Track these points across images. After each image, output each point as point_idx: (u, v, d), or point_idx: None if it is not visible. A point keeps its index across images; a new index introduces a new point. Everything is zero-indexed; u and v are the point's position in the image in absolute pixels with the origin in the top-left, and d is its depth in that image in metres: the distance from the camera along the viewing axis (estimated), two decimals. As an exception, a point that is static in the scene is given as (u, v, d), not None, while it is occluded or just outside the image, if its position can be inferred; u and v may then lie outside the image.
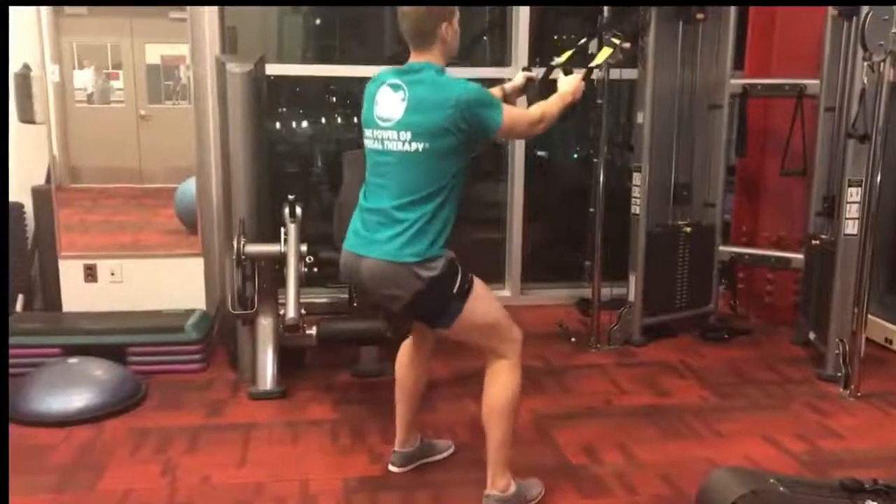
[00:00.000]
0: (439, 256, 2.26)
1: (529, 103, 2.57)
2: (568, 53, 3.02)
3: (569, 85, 2.60)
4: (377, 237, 2.28)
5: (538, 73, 2.83)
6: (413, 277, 2.23)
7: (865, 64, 3.27)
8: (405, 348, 2.68)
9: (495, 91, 2.74)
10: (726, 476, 2.25)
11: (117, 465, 2.76)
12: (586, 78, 2.73)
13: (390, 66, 2.36)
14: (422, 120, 2.21)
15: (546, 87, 2.72)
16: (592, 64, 3.03)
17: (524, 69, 2.86)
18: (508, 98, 2.74)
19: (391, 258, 2.24)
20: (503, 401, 2.39)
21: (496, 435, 2.40)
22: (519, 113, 2.43)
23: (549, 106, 2.49)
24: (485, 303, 2.37)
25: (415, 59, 2.32)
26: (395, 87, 2.27)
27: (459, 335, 2.41)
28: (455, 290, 2.28)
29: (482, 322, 2.37)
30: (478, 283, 2.35)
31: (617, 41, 3.21)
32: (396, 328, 2.61)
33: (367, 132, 2.36)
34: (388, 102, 2.28)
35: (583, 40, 3.47)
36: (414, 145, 2.22)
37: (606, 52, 3.07)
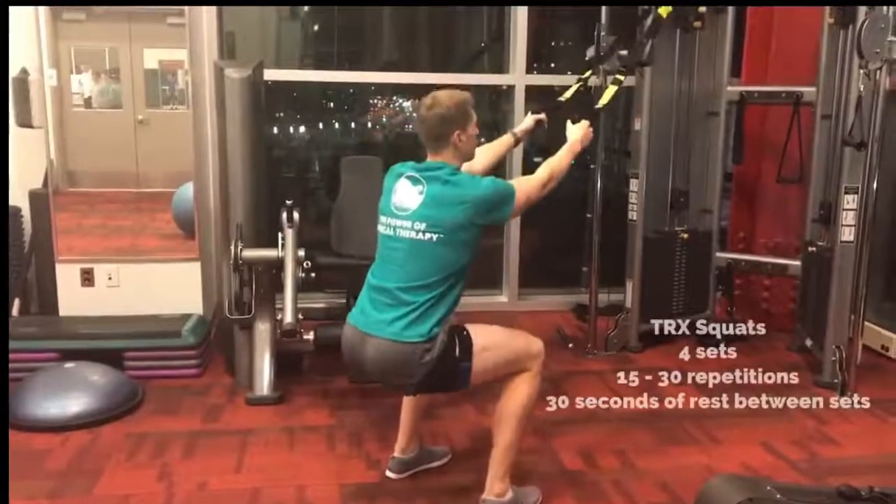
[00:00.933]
0: (437, 335, 2.29)
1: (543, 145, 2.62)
2: (573, 89, 3.06)
3: (577, 134, 2.68)
4: (383, 318, 2.32)
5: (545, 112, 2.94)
6: (417, 360, 2.27)
7: (861, 72, 3.28)
8: None
9: (507, 138, 2.88)
10: (724, 483, 2.25)
11: (114, 470, 2.75)
12: (593, 123, 2.77)
13: (408, 161, 2.44)
14: (438, 214, 2.28)
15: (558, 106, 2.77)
16: (598, 106, 3.07)
17: (533, 112, 2.96)
18: (520, 141, 2.91)
19: (395, 338, 2.28)
20: (519, 407, 2.40)
21: (505, 438, 2.41)
22: (527, 186, 2.46)
23: (559, 161, 2.57)
24: (490, 346, 2.38)
25: (431, 158, 2.39)
26: (414, 181, 2.34)
27: (483, 382, 2.43)
28: (458, 354, 2.31)
29: (496, 364, 2.39)
30: (475, 333, 2.36)
31: (621, 78, 3.24)
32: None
33: (382, 219, 2.42)
34: (405, 193, 2.35)
35: (586, 74, 3.51)
36: (428, 235, 2.28)
37: (611, 91, 3.10)
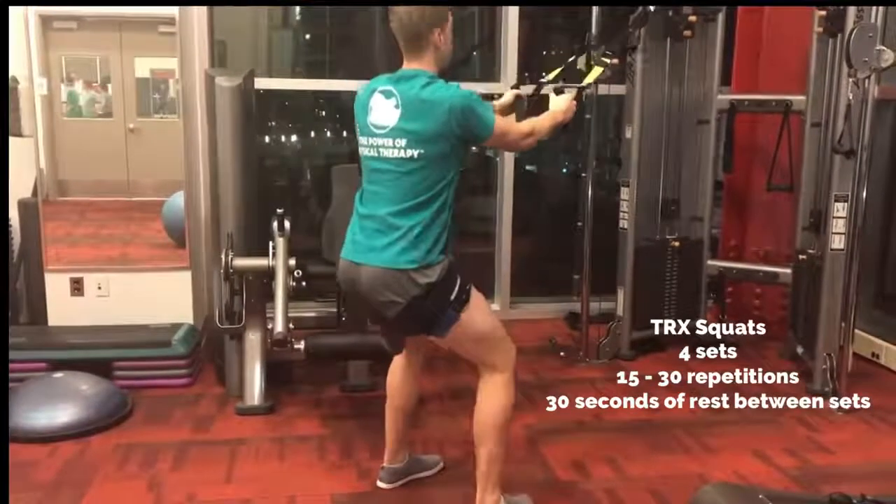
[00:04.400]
0: (437, 262, 2.25)
1: (518, 120, 2.58)
2: (557, 71, 3.03)
3: (561, 104, 2.63)
4: (375, 244, 2.28)
5: (527, 90, 2.85)
6: (410, 283, 2.23)
7: (850, 80, 3.30)
8: (396, 364, 2.67)
9: None
10: (716, 492, 2.24)
11: (102, 481, 2.73)
12: (578, 98, 2.74)
13: (383, 74, 2.36)
14: (416, 126, 2.21)
15: (536, 107, 2.73)
16: (583, 83, 3.04)
17: (513, 87, 2.88)
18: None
19: (389, 265, 2.24)
20: (496, 416, 2.38)
21: (487, 450, 2.39)
22: (510, 123, 2.44)
23: (540, 122, 2.51)
24: (481, 314, 2.37)
25: (407, 65, 2.32)
26: (388, 95, 2.27)
27: (453, 344, 2.40)
28: (452, 298, 2.27)
29: (477, 333, 2.36)
30: (475, 294, 2.35)
31: (607, 60, 3.23)
32: (393, 341, 2.60)
33: (362, 139, 2.36)
34: (381, 109, 2.28)
35: (571, 58, 3.50)
36: (409, 152, 2.23)
37: (597, 71, 3.08)
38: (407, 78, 2.28)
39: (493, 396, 2.39)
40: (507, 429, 2.42)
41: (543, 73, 2.99)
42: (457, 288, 2.28)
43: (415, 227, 2.23)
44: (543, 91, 2.83)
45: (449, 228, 2.30)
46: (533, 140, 2.47)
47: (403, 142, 2.23)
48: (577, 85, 2.86)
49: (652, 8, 3.67)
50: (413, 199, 2.24)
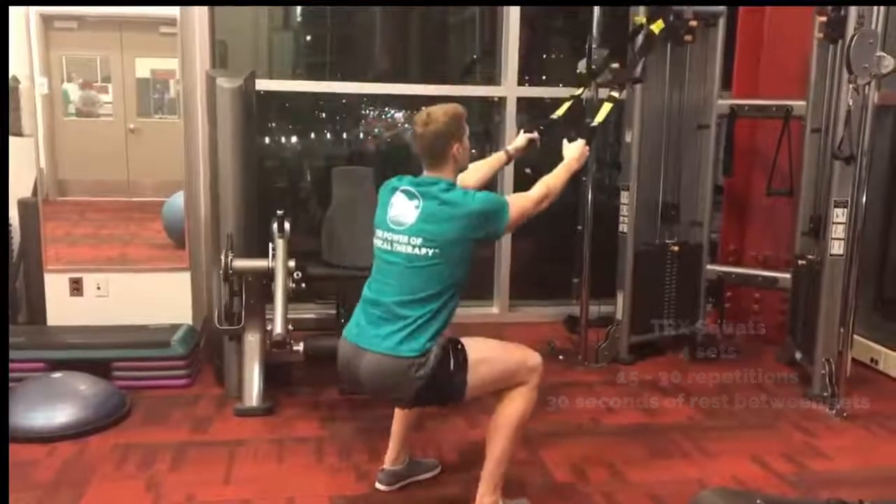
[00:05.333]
0: (429, 349, 2.29)
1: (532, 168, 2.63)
2: (566, 106, 3.08)
3: (573, 152, 2.69)
4: (379, 332, 2.32)
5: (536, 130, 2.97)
6: (412, 375, 2.27)
7: (851, 86, 3.31)
8: None
9: (499, 155, 2.91)
10: (714, 496, 2.25)
11: (101, 481, 2.73)
12: (589, 141, 2.78)
13: (405, 176, 2.44)
14: (434, 229, 2.29)
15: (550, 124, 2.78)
16: (593, 123, 3.07)
17: (525, 131, 2.96)
18: (512, 159, 2.93)
19: (389, 353, 2.28)
20: (514, 419, 2.40)
21: (498, 449, 2.40)
22: (522, 201, 2.48)
23: (555, 180, 2.58)
24: (486, 359, 2.39)
25: (428, 173, 2.40)
26: (410, 196, 2.35)
27: (479, 395, 2.43)
28: (452, 368, 2.31)
29: (492, 377, 2.38)
30: (470, 346, 2.37)
31: (616, 95, 3.26)
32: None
33: (378, 233, 2.42)
34: (402, 207, 2.36)
35: (579, 91, 3.52)
36: (424, 250, 2.29)
37: (607, 108, 3.11)
38: (428, 184, 2.36)
39: (516, 399, 2.40)
40: (520, 433, 2.43)
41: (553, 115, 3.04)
42: (451, 358, 2.32)
43: (419, 318, 2.29)
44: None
45: (450, 320, 2.36)
46: (548, 202, 2.54)
47: (419, 240, 2.30)
48: (587, 124, 2.90)
49: (656, 31, 3.67)
50: (420, 293, 2.30)
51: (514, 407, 2.39)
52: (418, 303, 2.29)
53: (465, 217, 2.29)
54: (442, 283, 2.31)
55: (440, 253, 2.29)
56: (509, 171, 4.60)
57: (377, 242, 2.43)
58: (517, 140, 2.96)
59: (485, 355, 2.39)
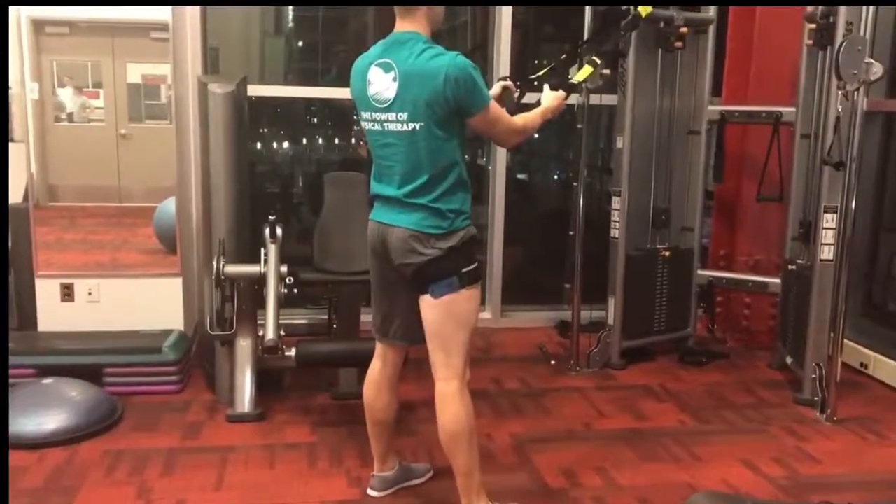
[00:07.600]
0: (462, 228, 2.32)
1: (508, 112, 2.57)
2: (547, 68, 3.04)
3: (552, 101, 2.63)
4: (400, 217, 2.33)
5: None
6: (433, 245, 2.28)
7: (840, 93, 3.33)
8: (371, 376, 2.62)
9: None
10: (705, 501, 2.25)
11: (91, 488, 2.72)
12: (568, 95, 2.75)
13: (378, 42, 2.35)
14: (413, 95, 2.22)
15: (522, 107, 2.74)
16: (573, 80, 3.05)
17: (501, 79, 2.87)
18: None
19: (416, 228, 2.29)
20: (460, 425, 2.36)
21: (461, 461, 2.38)
22: (504, 113, 2.42)
23: (532, 119, 2.51)
24: (474, 306, 2.39)
25: (400, 26, 2.31)
26: (386, 67, 2.27)
27: (435, 319, 2.35)
28: (463, 270, 2.31)
29: (462, 317, 2.35)
30: (478, 292, 2.38)
31: (597, 60, 3.24)
32: (383, 319, 2.56)
33: (365, 114, 2.36)
34: (380, 83, 2.28)
35: (562, 56, 3.51)
36: (412, 125, 2.24)
37: (587, 70, 3.10)
38: (402, 43, 2.27)
39: (452, 406, 2.36)
40: (474, 435, 2.40)
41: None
42: (472, 266, 2.33)
43: (434, 202, 2.27)
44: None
45: (468, 200, 2.35)
46: (522, 137, 2.50)
47: (405, 115, 2.24)
48: (568, 82, 2.86)
49: (643, 14, 3.68)
50: (423, 174, 2.27)
51: (454, 412, 2.35)
52: (425, 188, 2.27)
53: (442, 78, 2.18)
54: (440, 160, 2.26)
55: (426, 125, 2.22)
56: (501, 176, 4.63)
57: (366, 125, 2.36)
58: (493, 88, 2.77)
59: (476, 306, 2.40)
